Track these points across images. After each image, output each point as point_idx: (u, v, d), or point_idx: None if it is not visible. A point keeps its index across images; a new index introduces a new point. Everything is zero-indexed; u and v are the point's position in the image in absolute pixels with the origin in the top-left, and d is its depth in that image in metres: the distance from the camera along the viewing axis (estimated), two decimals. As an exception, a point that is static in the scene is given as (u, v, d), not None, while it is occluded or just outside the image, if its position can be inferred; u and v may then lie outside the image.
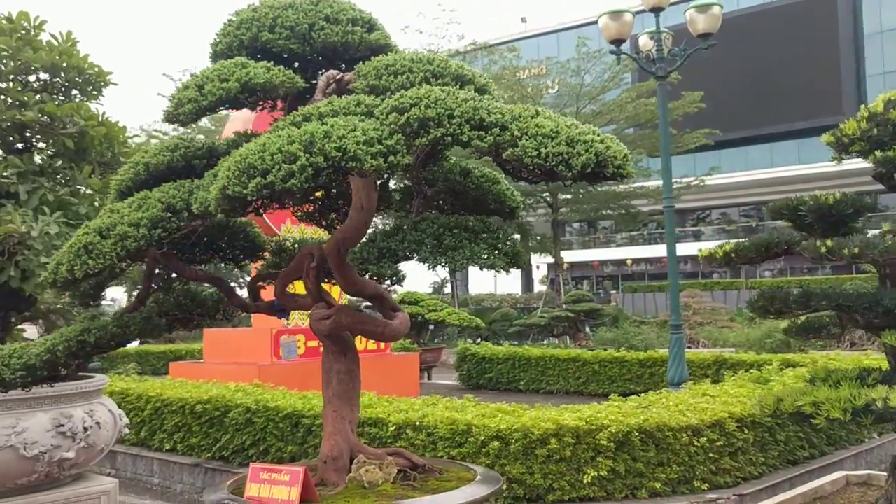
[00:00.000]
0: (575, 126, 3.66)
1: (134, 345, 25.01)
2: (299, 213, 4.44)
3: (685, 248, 53.23)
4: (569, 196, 31.64)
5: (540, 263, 51.50)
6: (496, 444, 6.53)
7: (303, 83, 4.29)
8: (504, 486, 6.45)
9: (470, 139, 3.44)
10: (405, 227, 3.55)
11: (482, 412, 7.13)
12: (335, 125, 3.37)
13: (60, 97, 7.97)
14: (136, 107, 79.57)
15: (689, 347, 18.96)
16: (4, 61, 7.68)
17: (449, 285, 45.48)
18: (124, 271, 4.18)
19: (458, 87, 3.82)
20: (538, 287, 53.15)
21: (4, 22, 7.72)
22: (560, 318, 22.51)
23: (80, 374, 6.63)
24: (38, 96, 7.72)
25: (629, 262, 57.95)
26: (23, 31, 7.77)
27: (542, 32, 58.19)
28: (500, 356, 16.55)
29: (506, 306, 39.36)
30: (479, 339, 22.20)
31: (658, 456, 6.65)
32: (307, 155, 3.24)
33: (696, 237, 57.35)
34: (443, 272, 43.72)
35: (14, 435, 5.66)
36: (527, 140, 3.44)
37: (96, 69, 8.06)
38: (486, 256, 3.38)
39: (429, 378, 20.29)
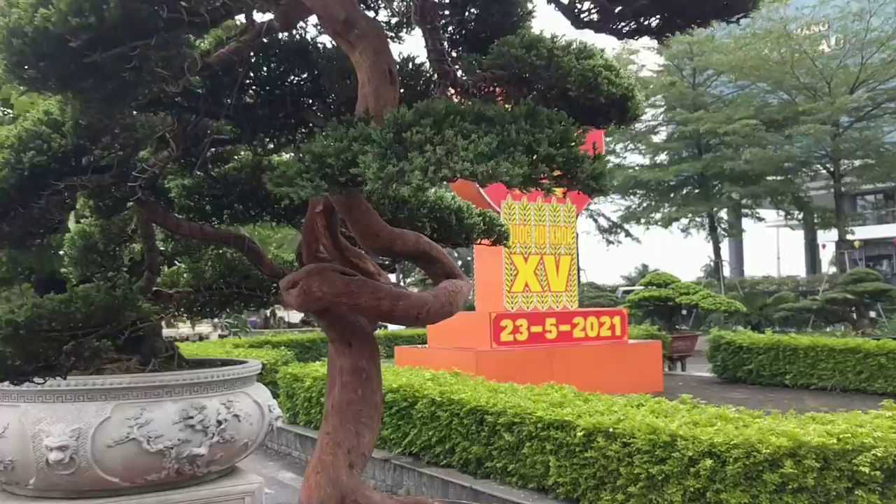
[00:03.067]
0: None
1: (395, 326, 25.47)
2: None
3: None
4: (856, 162, 27.39)
5: (826, 242, 46.08)
6: (708, 462, 4.94)
7: None
8: (719, 520, 4.85)
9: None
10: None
11: (695, 419, 5.53)
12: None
13: None
14: None
15: None
16: None
17: (721, 268, 42.01)
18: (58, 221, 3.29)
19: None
20: (826, 268, 47.64)
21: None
22: (837, 300, 19.17)
23: (232, 360, 6.04)
24: None
25: (938, 236, 49.85)
26: None
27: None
28: (760, 345, 14.24)
29: (785, 290, 35.33)
30: (737, 326, 19.66)
31: (953, 492, 4.66)
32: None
33: None
34: (712, 254, 40.44)
35: (137, 427, 5.12)
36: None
37: None
38: (506, 163, 1.91)
39: (682, 369, 18.29)
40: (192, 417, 5.35)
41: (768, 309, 26.88)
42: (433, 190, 3.07)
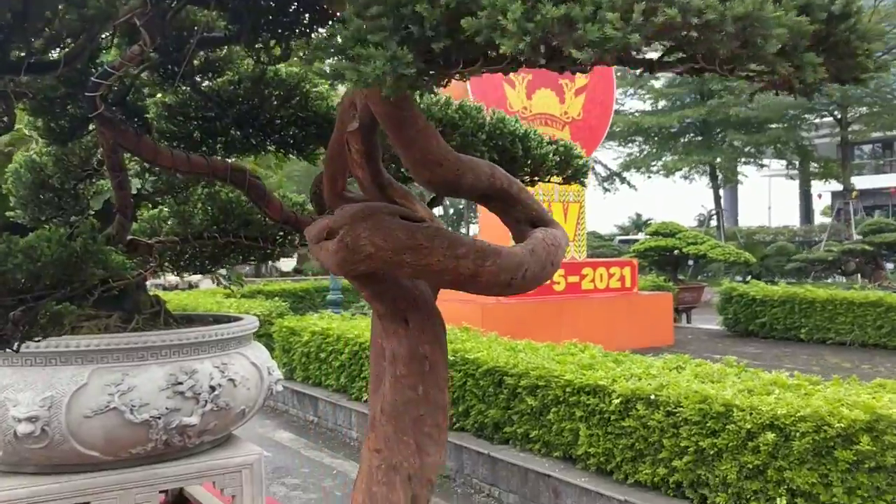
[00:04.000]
0: None
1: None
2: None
3: None
4: (864, 109, 26.63)
5: (822, 192, 45.55)
6: (770, 436, 4.35)
7: None
8: (781, 502, 4.29)
9: None
10: None
11: (748, 385, 4.93)
12: None
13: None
14: None
15: None
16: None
17: (715, 217, 41.48)
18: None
19: None
20: (819, 219, 47.21)
21: None
22: (853, 252, 18.55)
23: (224, 315, 5.37)
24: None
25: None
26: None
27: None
28: (774, 298, 13.69)
29: (781, 240, 34.84)
30: (747, 278, 19.12)
31: None
32: None
33: None
34: (709, 203, 39.82)
35: (118, 395, 4.46)
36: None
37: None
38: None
39: (688, 321, 17.79)
40: (181, 383, 4.69)
41: (769, 259, 26.40)
42: (490, 109, 2.39)
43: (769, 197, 53.19)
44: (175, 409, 4.63)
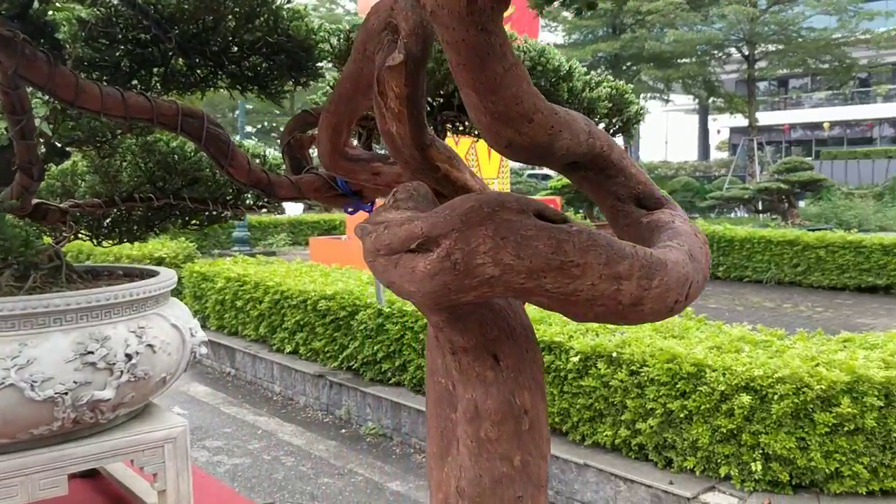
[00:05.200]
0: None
1: (297, 211, 23.69)
2: None
3: (892, 110, 46.38)
4: (770, 47, 27.00)
5: (721, 127, 46.71)
6: (746, 399, 4.09)
7: None
8: (756, 467, 4.06)
9: None
10: None
11: (716, 341, 4.67)
12: None
13: None
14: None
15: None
16: None
17: (629, 151, 41.79)
18: None
19: None
20: (716, 154, 48.56)
21: None
22: (770, 190, 18.84)
23: (135, 268, 4.70)
24: None
25: (826, 125, 51.37)
26: None
27: None
28: (693, 236, 13.69)
29: (683, 175, 35.55)
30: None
31: None
32: None
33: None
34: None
35: (15, 369, 3.77)
36: None
37: None
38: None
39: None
40: (91, 353, 4.01)
41: (675, 195, 26.79)
42: (523, 37, 1.86)
43: (666, 132, 54.17)
44: (85, 382, 3.97)
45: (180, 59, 1.93)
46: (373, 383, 6.50)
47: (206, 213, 2.44)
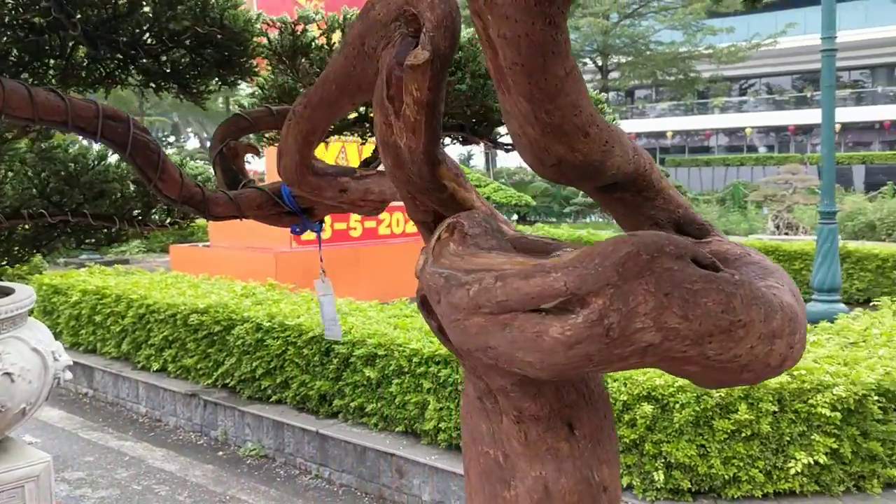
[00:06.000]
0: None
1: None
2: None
3: (728, 120, 49.73)
4: (622, 59, 28.20)
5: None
6: (648, 408, 4.09)
7: None
8: (659, 476, 4.07)
9: None
10: None
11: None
12: None
13: None
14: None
15: (787, 235, 16.37)
16: None
17: (474, 159, 42.56)
18: None
19: None
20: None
21: None
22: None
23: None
24: None
25: (669, 133, 54.39)
26: None
27: None
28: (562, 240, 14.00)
29: (538, 180, 36.51)
30: (513, 217, 19.57)
31: (900, 429, 4.22)
32: None
33: (739, 108, 53.31)
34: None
35: None
36: None
37: None
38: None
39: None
40: (-63, 385, 3.56)
41: (537, 200, 27.47)
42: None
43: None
44: (-73, 420, 3.51)
45: (83, 50, 1.62)
46: (252, 401, 6.13)
47: (106, 231, 2.10)
